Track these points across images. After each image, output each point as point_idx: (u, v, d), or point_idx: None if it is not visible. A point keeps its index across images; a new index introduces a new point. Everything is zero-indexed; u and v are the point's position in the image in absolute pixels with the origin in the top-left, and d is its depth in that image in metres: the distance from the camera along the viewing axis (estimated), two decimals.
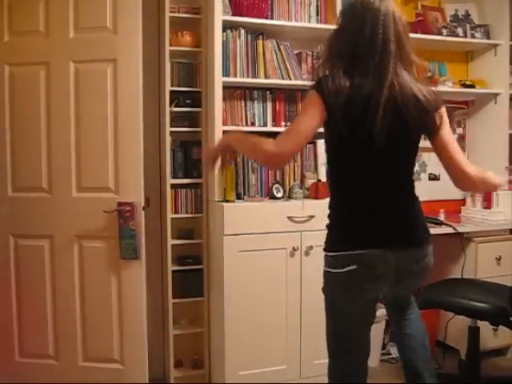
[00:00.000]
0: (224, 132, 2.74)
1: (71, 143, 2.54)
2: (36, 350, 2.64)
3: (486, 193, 3.39)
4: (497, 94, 3.43)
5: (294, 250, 2.70)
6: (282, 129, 2.92)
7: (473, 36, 3.40)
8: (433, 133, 1.72)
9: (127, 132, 2.51)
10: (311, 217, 2.72)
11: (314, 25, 2.92)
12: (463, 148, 3.59)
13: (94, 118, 2.53)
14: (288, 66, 2.88)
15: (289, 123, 2.93)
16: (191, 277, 2.89)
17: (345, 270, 1.67)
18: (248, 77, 2.81)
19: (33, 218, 2.61)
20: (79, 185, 2.56)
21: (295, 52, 2.93)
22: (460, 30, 3.37)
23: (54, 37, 2.52)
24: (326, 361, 2.79)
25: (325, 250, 1.76)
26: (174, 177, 2.85)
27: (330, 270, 1.73)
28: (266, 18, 2.83)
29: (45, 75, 2.54)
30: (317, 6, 2.94)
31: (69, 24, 2.50)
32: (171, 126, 2.81)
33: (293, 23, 2.88)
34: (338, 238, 1.74)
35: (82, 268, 2.58)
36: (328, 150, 1.79)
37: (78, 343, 2.60)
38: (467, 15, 3.50)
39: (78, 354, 2.61)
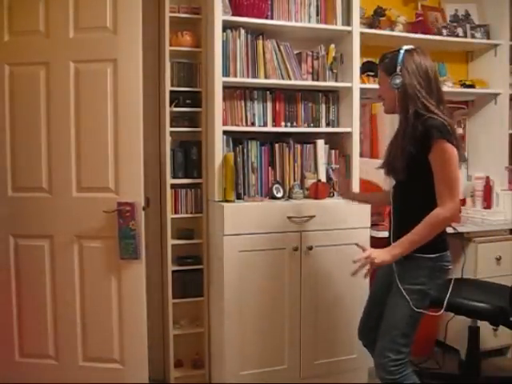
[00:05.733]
0: (224, 132, 2.74)
1: (71, 143, 2.53)
2: (36, 350, 2.63)
3: (486, 193, 3.39)
4: (497, 94, 3.43)
5: (294, 250, 2.70)
6: (281, 129, 2.92)
7: (473, 36, 3.40)
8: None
9: (127, 132, 2.50)
10: (311, 217, 2.72)
11: (314, 25, 2.92)
12: (463, 148, 3.59)
13: (94, 118, 2.52)
14: (288, 66, 2.88)
15: (289, 123, 2.94)
16: (191, 277, 2.89)
17: None
18: (248, 77, 2.81)
19: (33, 218, 2.60)
20: (79, 185, 2.55)
21: (295, 52, 2.92)
22: (460, 30, 3.37)
23: (54, 37, 2.51)
24: (326, 361, 2.81)
25: None
26: (174, 177, 2.85)
27: None
28: (266, 18, 2.83)
29: (45, 75, 2.53)
30: (317, 6, 2.94)
31: (69, 24, 2.49)
32: (171, 126, 2.81)
33: (293, 23, 2.88)
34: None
35: (81, 268, 2.57)
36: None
37: (78, 343, 2.60)
38: (467, 15, 3.50)
39: (78, 353, 2.60)
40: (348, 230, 2.79)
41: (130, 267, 2.53)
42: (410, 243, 1.96)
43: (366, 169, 3.07)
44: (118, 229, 2.48)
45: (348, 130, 2.95)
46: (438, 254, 2.00)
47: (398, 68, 2.00)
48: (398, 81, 2.00)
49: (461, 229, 3.05)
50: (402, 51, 2.03)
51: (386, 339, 2.05)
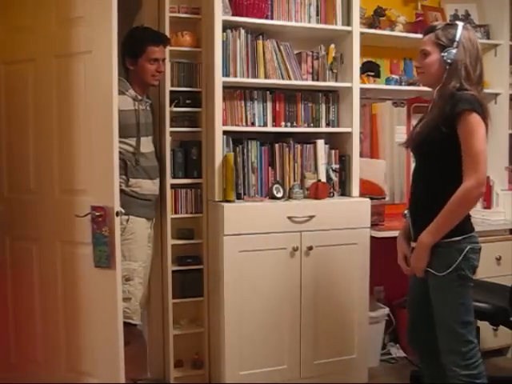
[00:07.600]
0: (224, 132, 2.74)
1: (54, 142, 2.42)
2: (28, 356, 2.56)
3: (486, 193, 3.39)
4: (497, 94, 3.43)
5: (294, 250, 2.70)
6: (282, 129, 2.92)
7: None
8: None
9: (100, 131, 2.28)
10: (311, 217, 2.72)
11: (313, 25, 2.92)
12: None
13: (71, 114, 2.37)
14: (288, 66, 2.88)
15: (289, 123, 2.93)
16: (191, 277, 2.88)
17: None
18: (248, 77, 2.81)
19: (25, 219, 2.53)
20: (61, 186, 2.43)
21: (295, 52, 2.92)
22: None
23: (40, 31, 2.42)
24: (326, 361, 2.81)
25: None
26: (174, 177, 2.85)
27: None
28: (266, 18, 2.83)
29: (33, 72, 2.46)
30: (317, 6, 2.94)
31: (52, 17, 2.38)
32: (171, 126, 2.81)
33: (293, 23, 2.88)
34: None
35: (62, 274, 2.45)
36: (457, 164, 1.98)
37: (62, 352, 2.47)
38: (467, 15, 3.50)
39: (62, 363, 2.48)
40: (348, 229, 2.79)
41: (103, 277, 2.28)
42: (442, 224, 1.95)
43: (367, 169, 3.08)
44: (91, 235, 2.27)
45: (348, 130, 2.95)
46: (466, 236, 1.97)
47: (455, 43, 1.98)
48: (452, 56, 1.98)
49: None
50: (459, 26, 2.00)
51: (449, 336, 1.97)
